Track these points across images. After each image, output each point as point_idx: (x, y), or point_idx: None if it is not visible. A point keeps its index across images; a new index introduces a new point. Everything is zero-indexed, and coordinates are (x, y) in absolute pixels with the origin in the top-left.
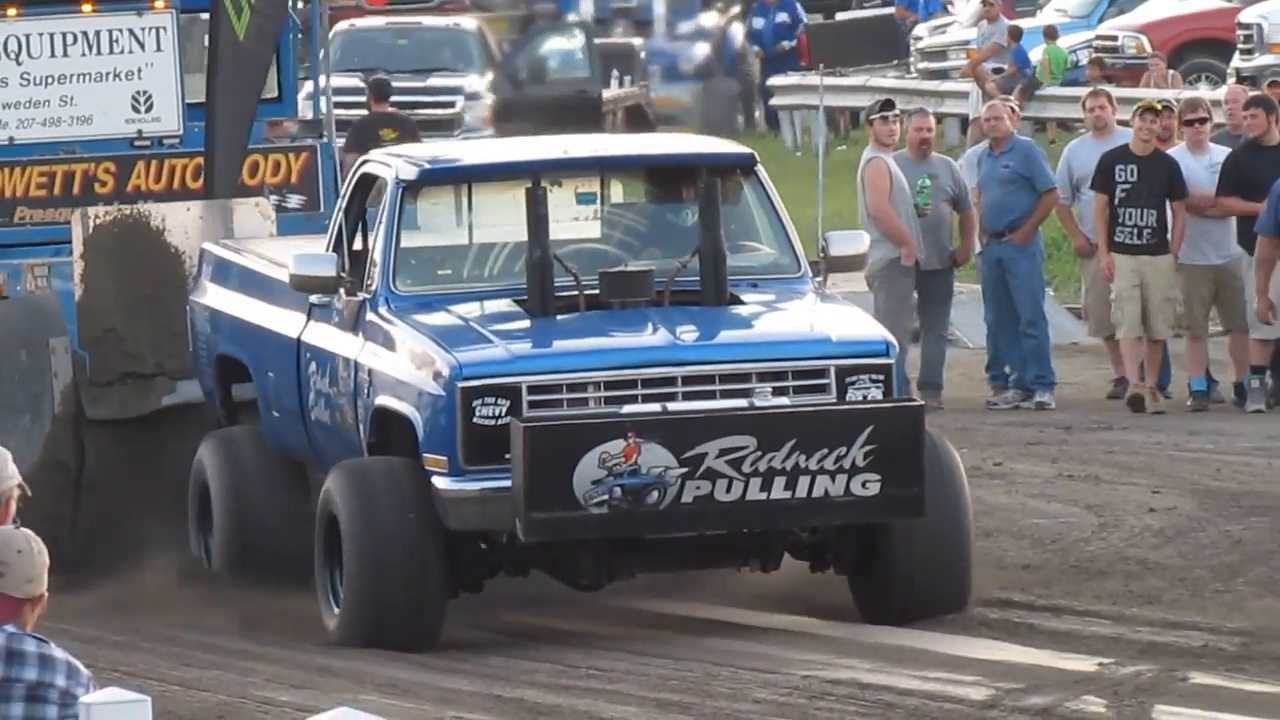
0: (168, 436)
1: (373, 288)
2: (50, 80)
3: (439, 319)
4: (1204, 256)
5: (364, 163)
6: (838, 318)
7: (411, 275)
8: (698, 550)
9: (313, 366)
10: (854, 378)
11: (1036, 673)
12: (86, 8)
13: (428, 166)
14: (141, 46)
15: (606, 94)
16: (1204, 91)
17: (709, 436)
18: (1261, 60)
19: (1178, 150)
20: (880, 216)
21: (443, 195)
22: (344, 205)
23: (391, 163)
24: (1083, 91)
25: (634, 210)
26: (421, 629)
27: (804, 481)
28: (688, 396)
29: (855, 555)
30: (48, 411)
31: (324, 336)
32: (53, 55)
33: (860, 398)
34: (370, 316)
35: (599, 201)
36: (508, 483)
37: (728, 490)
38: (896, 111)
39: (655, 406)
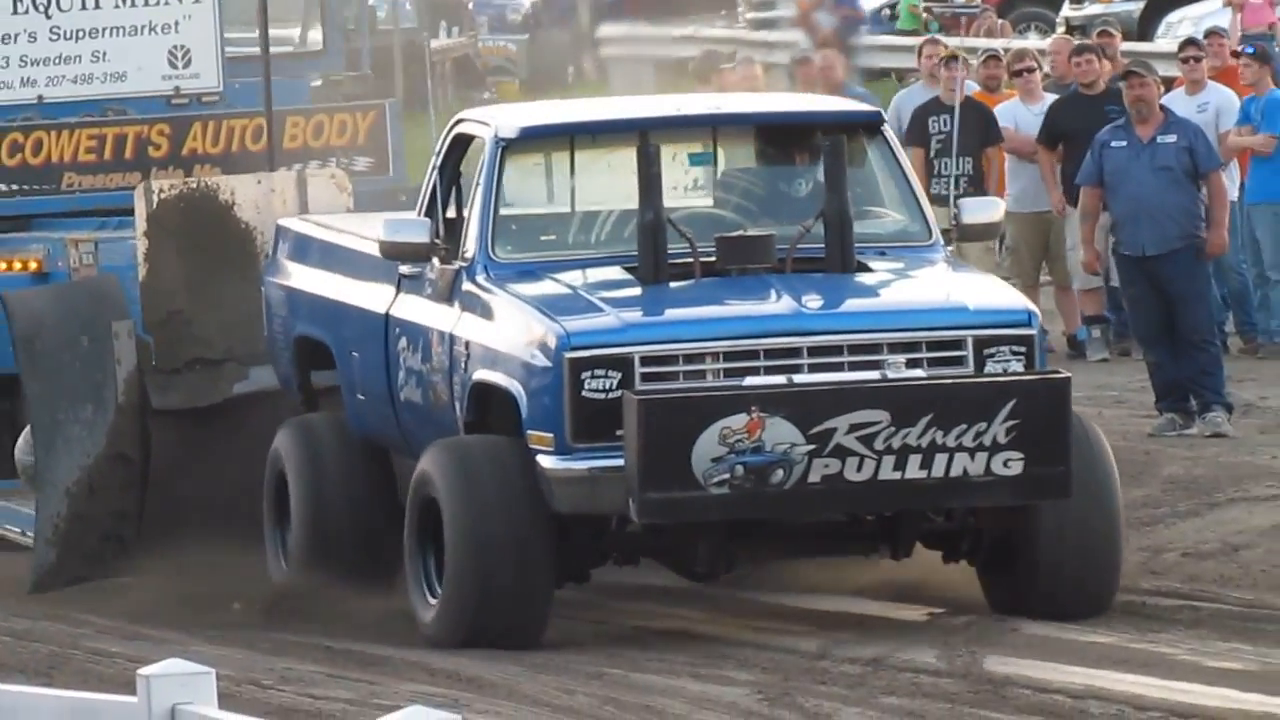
0: (239, 427)
1: (469, 255)
2: (81, 34)
3: (543, 287)
4: (1034, 204)
5: (458, 122)
6: (975, 286)
7: (511, 241)
8: (824, 536)
9: (402, 342)
10: (993, 349)
11: (867, 623)
12: None
13: (529, 124)
14: None
15: (435, 44)
16: (1033, 41)
17: (838, 411)
18: (1091, 10)
19: (1011, 101)
20: None
21: (544, 155)
22: (437, 167)
23: (490, 120)
24: (914, 40)
25: (748, 173)
26: (528, 621)
27: (941, 460)
28: (813, 369)
29: (993, 544)
30: (111, 400)
31: (415, 309)
32: (84, 7)
33: (999, 370)
34: (467, 286)
35: (713, 163)
36: (619, 461)
37: (858, 469)
38: None
39: (780, 379)
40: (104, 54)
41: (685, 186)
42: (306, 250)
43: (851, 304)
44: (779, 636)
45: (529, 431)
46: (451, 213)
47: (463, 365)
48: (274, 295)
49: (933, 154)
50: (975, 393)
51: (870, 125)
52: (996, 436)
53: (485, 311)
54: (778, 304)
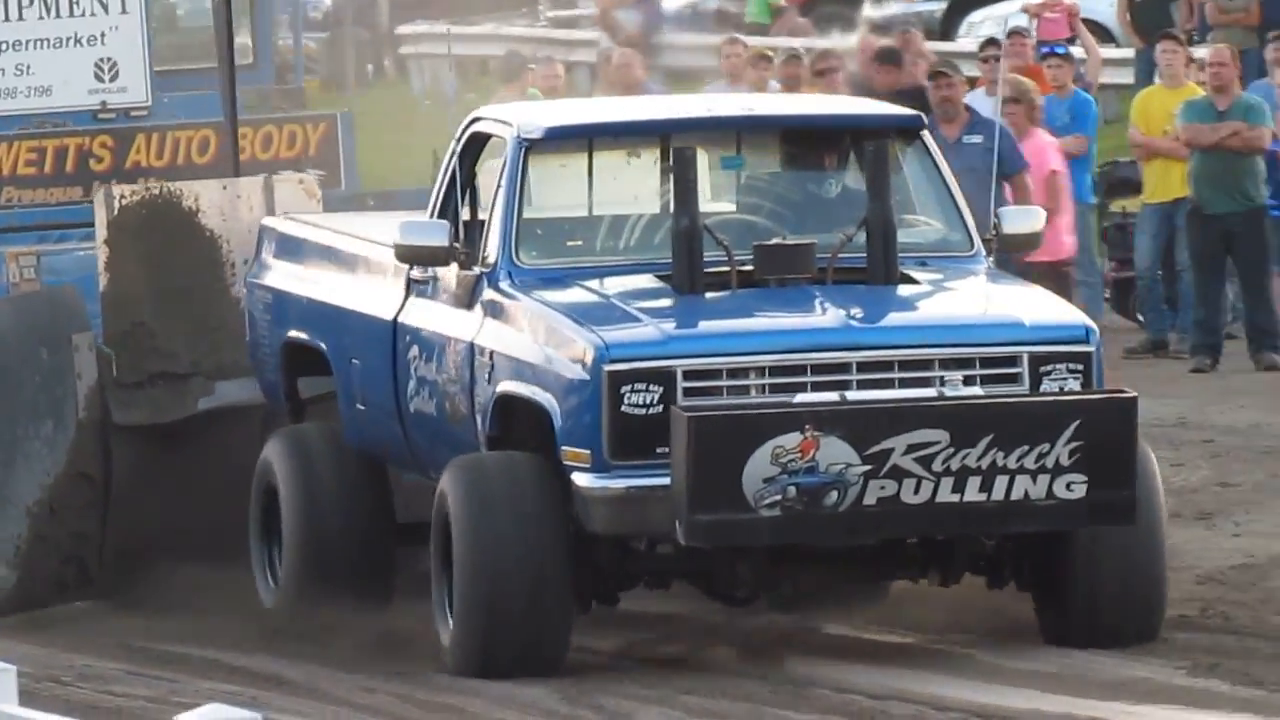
0: (206, 444)
1: (491, 260)
2: (4, 46)
3: (573, 295)
4: None
5: (474, 120)
6: (1029, 300)
7: (536, 246)
8: (870, 559)
9: (414, 351)
10: (1049, 366)
11: (668, 622)
12: None
13: (554, 124)
14: (105, 9)
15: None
16: (836, 40)
17: (896, 430)
18: (892, 10)
19: None
20: None
21: (570, 157)
22: (451, 168)
23: (511, 120)
24: (714, 39)
25: (779, 178)
26: (543, 647)
27: (1002, 482)
28: (863, 385)
29: (1040, 569)
30: (71, 416)
31: (429, 316)
32: (6, 19)
33: (1056, 389)
34: (489, 293)
35: (743, 167)
36: (659, 480)
37: (915, 491)
38: None
39: (831, 395)
40: (28, 67)
41: (709, 191)
42: (297, 251)
43: (902, 318)
44: (580, 636)
45: (564, 448)
46: (466, 215)
47: (485, 377)
48: (259, 299)
49: None
50: (1039, 412)
51: (909, 129)
52: (1060, 458)
53: (511, 320)
54: (825, 317)
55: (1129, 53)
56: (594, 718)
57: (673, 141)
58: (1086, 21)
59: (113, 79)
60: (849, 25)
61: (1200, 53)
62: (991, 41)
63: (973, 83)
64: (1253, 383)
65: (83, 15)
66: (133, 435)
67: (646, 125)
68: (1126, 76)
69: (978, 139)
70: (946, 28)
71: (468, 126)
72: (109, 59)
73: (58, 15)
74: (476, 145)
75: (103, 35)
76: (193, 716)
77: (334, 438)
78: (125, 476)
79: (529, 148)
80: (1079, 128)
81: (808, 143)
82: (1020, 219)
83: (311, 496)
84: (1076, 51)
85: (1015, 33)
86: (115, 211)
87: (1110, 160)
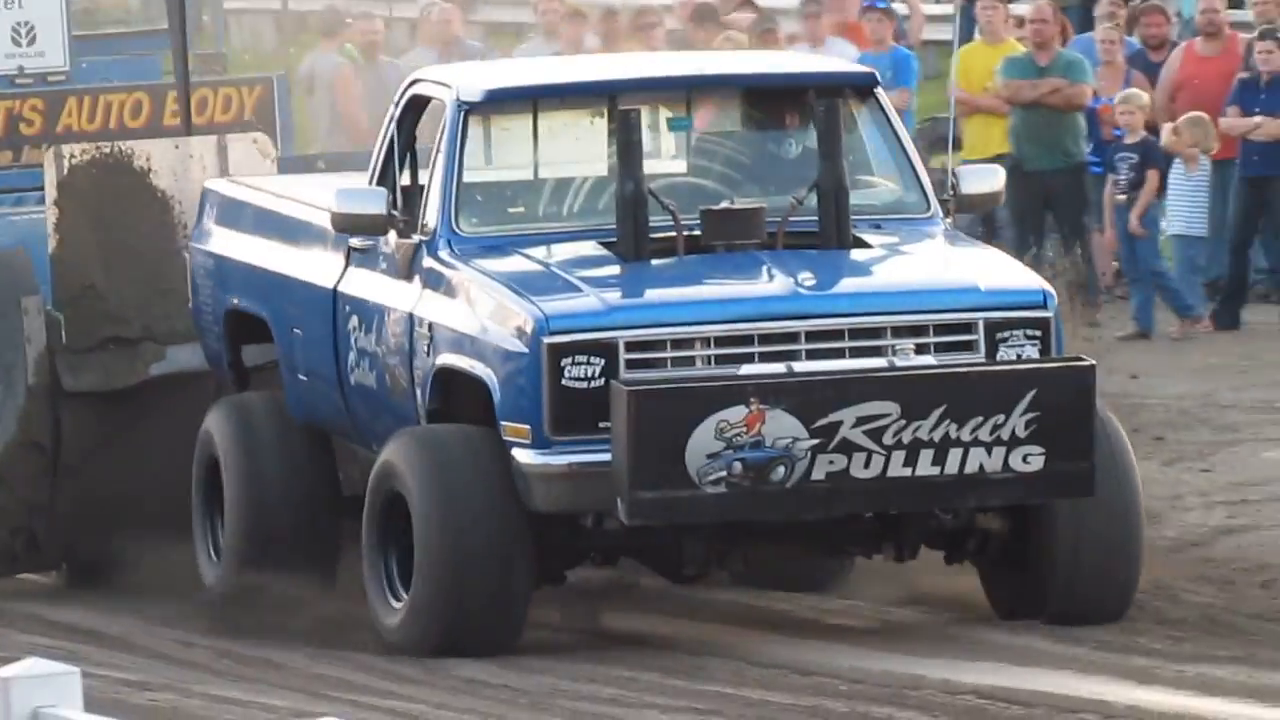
0: (156, 411)
1: (430, 228)
2: None
3: (514, 264)
4: None
5: (414, 83)
6: (984, 263)
7: (477, 213)
8: (823, 535)
9: (354, 321)
10: (1006, 333)
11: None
12: None
13: (494, 86)
14: None
15: None
16: None
17: (845, 402)
18: None
19: None
20: None
21: (511, 120)
22: (390, 133)
23: (450, 82)
24: None
25: (729, 138)
26: (503, 627)
27: (955, 455)
28: (812, 355)
29: (1002, 544)
30: (20, 383)
31: (368, 286)
32: None
33: (1014, 356)
34: (428, 262)
35: (691, 128)
36: (603, 456)
37: (866, 465)
38: None
39: (779, 367)
40: None
41: (658, 153)
42: (239, 216)
43: (853, 284)
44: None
45: (503, 423)
46: (407, 181)
47: (425, 349)
48: (201, 264)
49: None
50: (993, 382)
51: (862, 86)
52: (1015, 430)
53: (450, 290)
54: (772, 284)
55: (949, 8)
56: (416, 672)
57: (619, 102)
58: None
59: (30, 43)
60: None
61: (1021, 9)
62: None
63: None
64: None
65: None
66: (83, 402)
67: (591, 86)
68: (947, 33)
69: None
70: None
71: (407, 89)
72: (26, 23)
73: None
74: (416, 108)
75: (19, 0)
76: (11, 670)
77: (277, 407)
78: (75, 444)
79: (469, 110)
80: (900, 83)
81: (760, 102)
82: (979, 178)
83: (254, 469)
84: (899, 7)
85: None
86: (65, 172)
87: (930, 116)
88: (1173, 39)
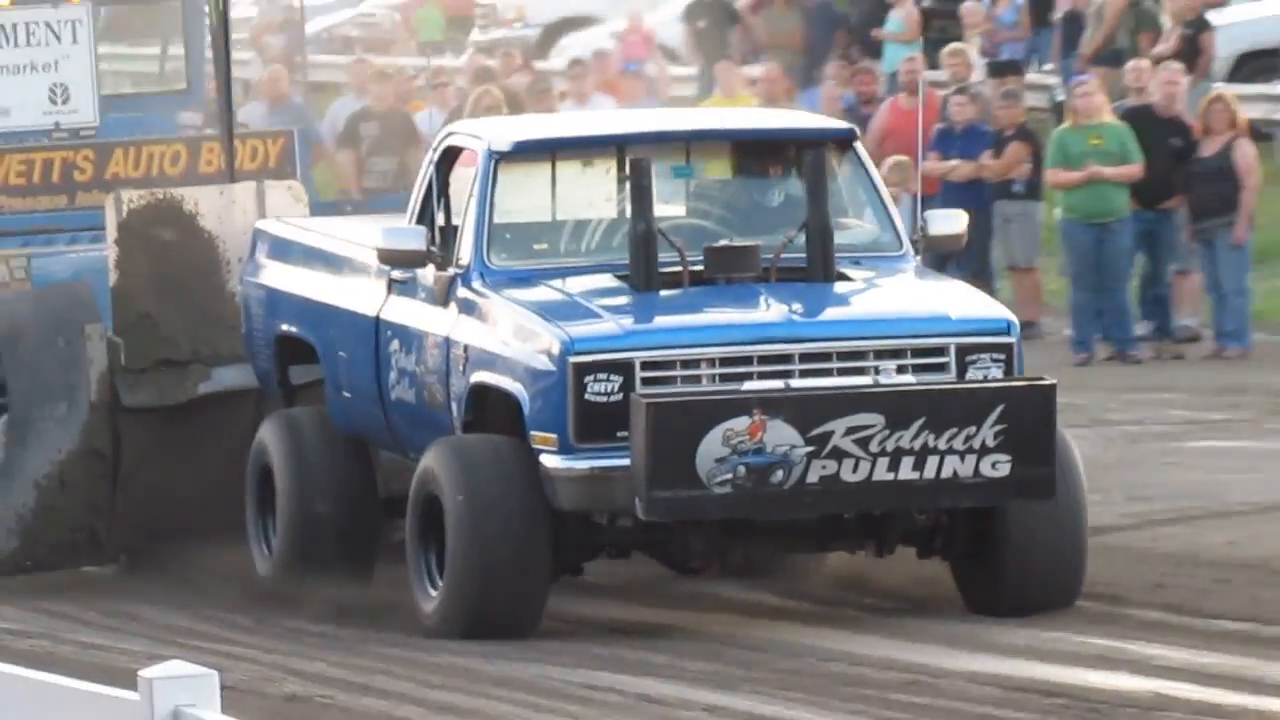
0: (204, 425)
1: (464, 262)
2: None
3: (540, 293)
4: None
5: (448, 135)
6: (955, 295)
7: (506, 249)
8: (813, 533)
9: (395, 344)
10: (974, 356)
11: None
12: (4, 1)
13: (521, 138)
14: (58, 39)
15: None
16: (448, 60)
17: (836, 414)
18: (495, 34)
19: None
20: None
21: (535, 167)
22: (428, 178)
23: (482, 134)
24: (347, 59)
25: (724, 185)
26: (524, 612)
27: (932, 462)
28: (804, 374)
29: (966, 542)
30: (84, 399)
31: (408, 313)
32: None
33: (981, 377)
34: (463, 292)
35: (692, 175)
36: (619, 461)
37: (854, 470)
38: None
39: (778, 383)
40: None
41: (663, 197)
42: (288, 252)
43: (840, 312)
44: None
45: (533, 432)
46: (441, 221)
47: (460, 367)
48: (253, 295)
49: (365, 154)
50: (966, 398)
51: (843, 140)
52: (985, 440)
53: (483, 316)
54: (769, 312)
55: (694, 70)
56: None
57: (628, 153)
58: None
59: (64, 102)
60: (460, 49)
61: (755, 70)
62: (577, 61)
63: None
64: None
65: (39, 45)
66: (139, 416)
67: (605, 139)
68: (691, 89)
69: None
70: (542, 50)
71: (442, 140)
72: (61, 84)
73: (16, 45)
74: (450, 157)
75: (56, 63)
76: (155, 671)
77: (323, 421)
78: (133, 453)
79: (499, 159)
80: None
81: (750, 153)
82: (945, 221)
83: (303, 474)
84: (651, 69)
85: (599, 54)
86: (124, 214)
87: None
88: (880, 94)
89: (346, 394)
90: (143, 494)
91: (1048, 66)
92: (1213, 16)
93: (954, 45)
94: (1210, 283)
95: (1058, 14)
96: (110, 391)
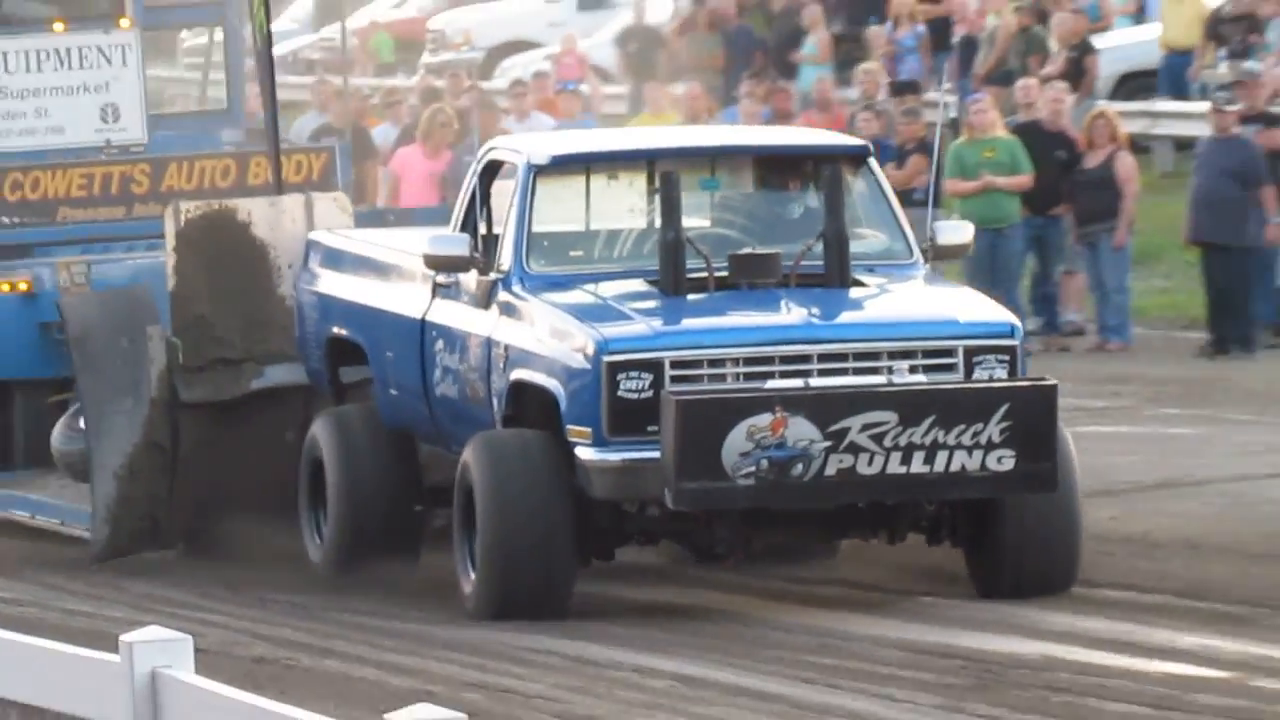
0: (257, 419)
1: (505, 267)
2: (26, 94)
3: (576, 297)
4: None
5: (490, 149)
6: (961, 300)
7: (543, 255)
8: (830, 522)
9: (439, 344)
10: (981, 357)
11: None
12: (58, 26)
13: (559, 152)
14: (109, 62)
15: None
16: (400, 80)
17: (853, 411)
18: (444, 56)
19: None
20: None
21: (571, 180)
22: (471, 189)
23: (522, 149)
24: (309, 79)
25: (747, 196)
26: (552, 595)
27: (942, 456)
28: (822, 373)
29: (970, 529)
30: (146, 395)
31: (452, 315)
32: (28, 70)
33: (986, 377)
34: (503, 295)
35: (719, 188)
36: (650, 454)
37: (869, 464)
38: None
39: (798, 382)
40: (45, 110)
41: (689, 209)
42: (339, 260)
43: (855, 316)
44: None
45: (568, 426)
46: (483, 229)
47: (501, 365)
48: (307, 300)
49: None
50: (974, 396)
51: (858, 156)
52: (992, 436)
53: (522, 318)
54: (790, 315)
55: (624, 89)
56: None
57: (658, 166)
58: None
59: (114, 120)
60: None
61: (679, 89)
62: (518, 81)
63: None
64: None
65: (90, 68)
66: (196, 411)
67: (637, 153)
68: (622, 108)
69: None
70: (486, 72)
71: (485, 154)
72: (112, 104)
73: (69, 68)
74: (492, 170)
75: (107, 84)
76: (134, 636)
77: (372, 417)
78: (190, 445)
79: (537, 172)
80: None
81: (771, 168)
82: (953, 232)
83: (353, 467)
84: (585, 88)
85: (539, 74)
86: (181, 224)
87: None
88: (794, 111)
89: (394, 391)
90: (199, 484)
91: (945, 85)
92: (1096, 40)
93: (865, 65)
94: (1094, 282)
95: (955, 38)
96: (169, 388)
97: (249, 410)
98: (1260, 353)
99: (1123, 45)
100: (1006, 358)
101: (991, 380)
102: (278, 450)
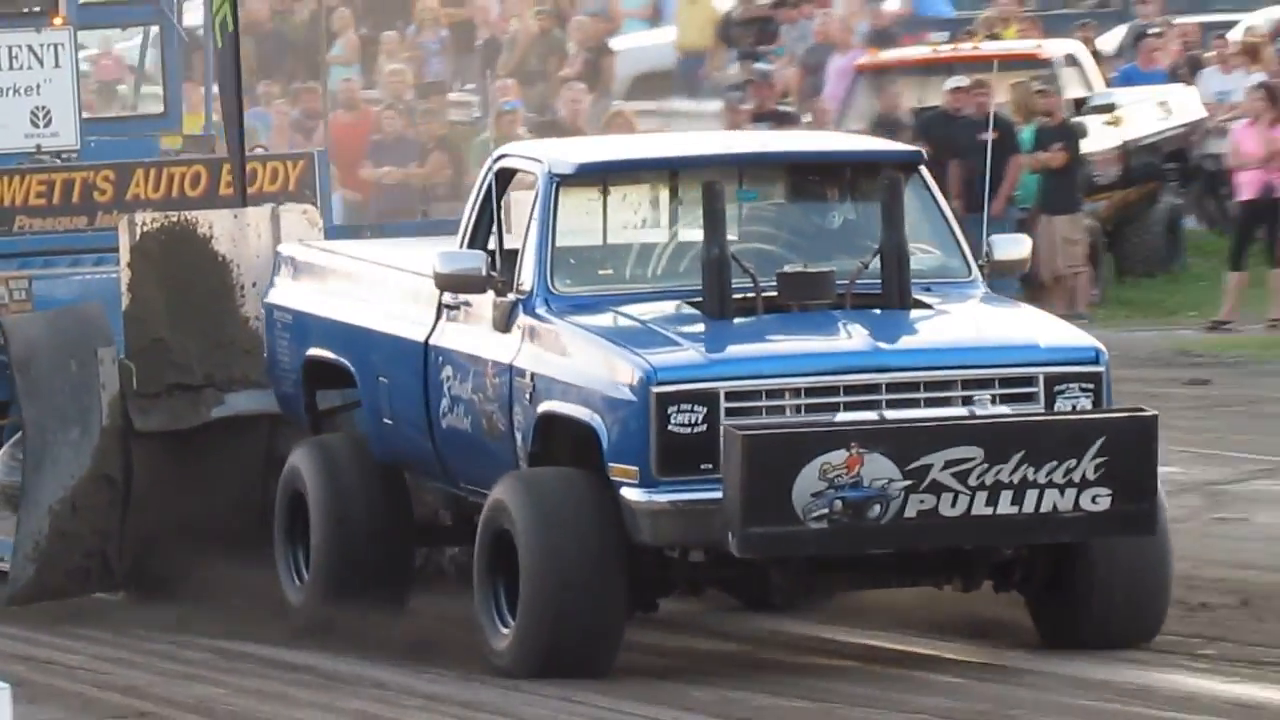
0: (216, 450)
1: (526, 287)
2: None
3: (611, 320)
4: None
5: (501, 157)
6: (1038, 323)
7: (569, 274)
8: (899, 566)
9: (446, 371)
10: (1063, 386)
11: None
12: None
13: (584, 160)
14: (40, 63)
15: None
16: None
17: (935, 447)
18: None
19: None
20: None
21: (597, 190)
22: (479, 202)
23: (540, 156)
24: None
25: (786, 209)
26: (601, 651)
27: (1032, 496)
28: (891, 404)
29: (1046, 575)
30: (96, 423)
31: (463, 339)
32: None
33: (1069, 407)
34: (526, 318)
35: (757, 199)
36: (703, 494)
37: (953, 504)
38: None
39: (872, 415)
40: None
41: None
42: (318, 274)
43: (925, 340)
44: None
45: (611, 464)
46: (492, 244)
47: (526, 396)
48: (278, 319)
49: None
50: (1067, 429)
51: (909, 164)
52: (1086, 473)
53: (550, 343)
54: (853, 340)
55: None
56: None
57: (703, 175)
58: None
59: (46, 124)
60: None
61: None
62: None
63: None
64: None
65: (21, 69)
66: (151, 441)
67: (670, 161)
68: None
69: None
70: None
71: (494, 163)
72: (43, 107)
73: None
74: (503, 180)
75: (38, 86)
76: None
77: (358, 448)
78: (144, 478)
79: (560, 182)
80: None
81: (814, 176)
82: (1010, 246)
83: (339, 502)
84: None
85: None
86: (137, 238)
87: None
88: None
89: (388, 421)
90: (153, 520)
91: (469, 85)
92: (613, 42)
93: (392, 67)
94: None
95: (479, 40)
96: (122, 416)
97: (209, 440)
98: None
99: (639, 48)
100: (1091, 386)
101: (1083, 411)
102: (240, 484)
